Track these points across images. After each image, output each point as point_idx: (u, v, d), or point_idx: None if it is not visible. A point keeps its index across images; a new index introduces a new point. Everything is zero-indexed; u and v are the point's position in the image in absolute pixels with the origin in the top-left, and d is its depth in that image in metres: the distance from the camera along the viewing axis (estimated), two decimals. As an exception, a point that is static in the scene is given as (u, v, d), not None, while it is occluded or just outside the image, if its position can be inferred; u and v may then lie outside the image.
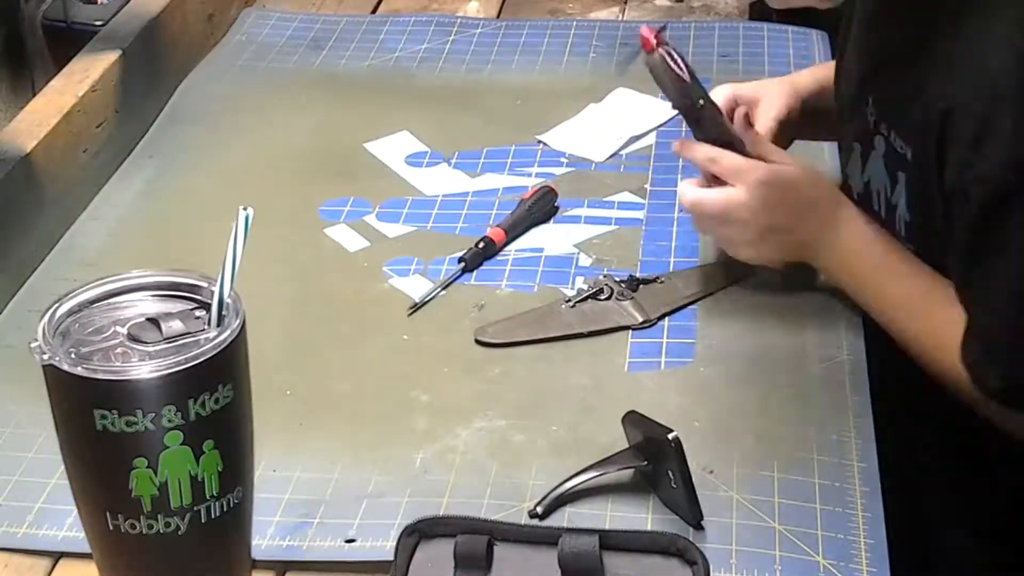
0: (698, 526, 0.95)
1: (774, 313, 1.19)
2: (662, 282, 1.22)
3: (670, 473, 0.95)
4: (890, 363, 1.16)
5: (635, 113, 1.51)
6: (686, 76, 1.11)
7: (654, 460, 0.98)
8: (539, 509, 0.97)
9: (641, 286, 1.21)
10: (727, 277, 1.23)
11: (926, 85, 1.05)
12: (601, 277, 1.22)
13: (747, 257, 1.18)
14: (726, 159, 1.14)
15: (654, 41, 1.10)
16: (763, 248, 1.16)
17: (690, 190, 1.17)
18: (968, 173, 1.00)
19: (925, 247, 1.12)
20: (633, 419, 1.00)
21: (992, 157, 0.98)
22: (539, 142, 1.47)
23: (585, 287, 1.21)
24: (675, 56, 1.11)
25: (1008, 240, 1.00)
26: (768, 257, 1.18)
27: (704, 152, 1.15)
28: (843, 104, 1.23)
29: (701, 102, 1.13)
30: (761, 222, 1.14)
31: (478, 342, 1.16)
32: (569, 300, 1.19)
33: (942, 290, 1.08)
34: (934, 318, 1.09)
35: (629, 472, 1.00)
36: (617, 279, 1.21)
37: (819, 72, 1.33)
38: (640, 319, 1.17)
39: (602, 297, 1.20)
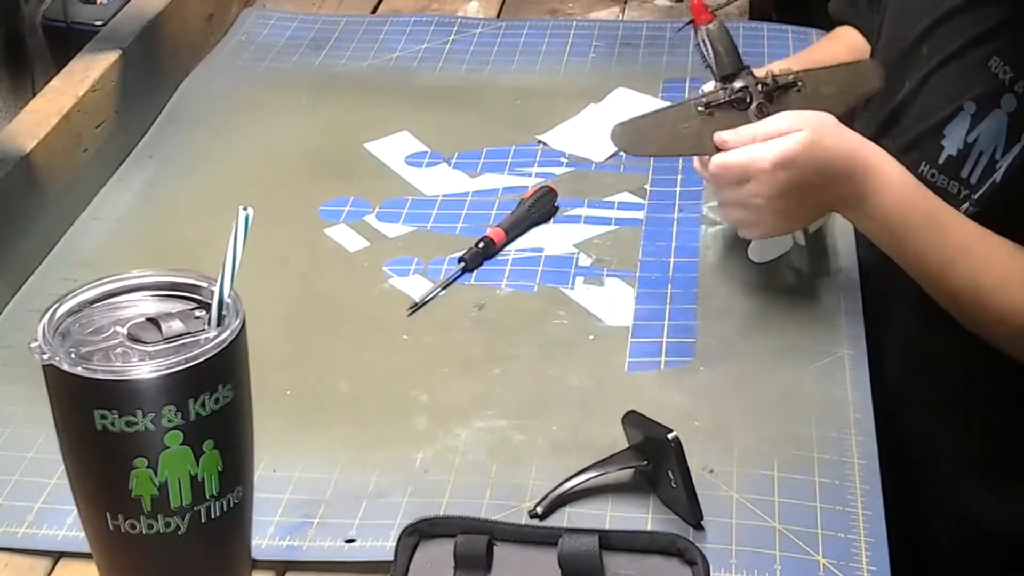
0: (698, 526, 0.95)
1: (774, 312, 1.19)
2: (799, 89, 1.16)
3: (670, 473, 0.95)
4: (890, 361, 1.16)
5: (635, 113, 1.50)
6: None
7: (654, 460, 0.98)
8: (539, 509, 0.97)
9: (778, 93, 1.15)
10: (868, 80, 1.19)
11: None
12: (742, 79, 1.15)
13: (774, 233, 1.16)
14: (731, 158, 1.11)
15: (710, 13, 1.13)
16: (790, 222, 1.14)
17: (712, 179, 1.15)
18: None
19: (1009, 215, 1.11)
20: (633, 419, 1.00)
21: None
22: (539, 142, 1.46)
23: (722, 92, 1.15)
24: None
25: None
26: (798, 227, 1.17)
27: (707, 167, 1.14)
28: (955, 66, 1.19)
29: (748, 66, 1.14)
30: (777, 206, 1.11)
31: (614, 141, 1.15)
32: (705, 102, 1.14)
33: (999, 240, 1.09)
34: (997, 255, 1.09)
35: (629, 472, 1.00)
36: (756, 82, 1.15)
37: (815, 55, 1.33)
38: None
39: (741, 107, 1.14)
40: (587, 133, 1.47)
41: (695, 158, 1.19)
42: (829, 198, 1.12)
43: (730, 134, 1.12)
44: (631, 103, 1.53)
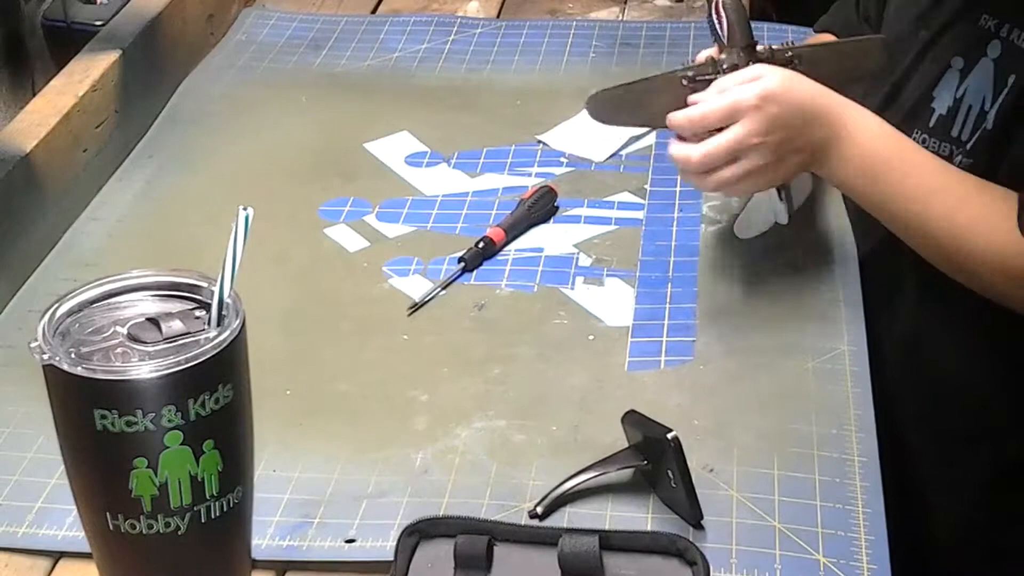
0: (698, 525, 0.95)
1: (774, 310, 1.19)
2: (795, 65, 1.15)
3: (669, 472, 0.95)
4: (889, 360, 1.16)
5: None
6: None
7: (654, 459, 0.98)
8: (539, 509, 0.97)
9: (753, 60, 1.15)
10: (871, 57, 1.19)
11: None
12: (736, 56, 1.15)
13: (765, 184, 1.14)
14: (712, 104, 1.10)
15: None
16: (780, 169, 1.12)
17: (693, 148, 1.11)
18: None
19: (995, 160, 1.11)
20: (632, 419, 1.00)
21: None
22: (539, 142, 1.46)
23: (710, 65, 1.15)
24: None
25: None
26: (784, 177, 1.15)
27: (689, 119, 1.12)
28: (946, 27, 1.20)
29: (756, 42, 1.15)
30: (772, 141, 1.09)
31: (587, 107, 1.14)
32: (688, 73, 1.14)
33: (975, 179, 1.09)
34: (979, 199, 1.09)
35: (629, 472, 1.00)
36: (737, 51, 1.15)
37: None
38: None
39: (720, 69, 1.14)
40: (587, 133, 1.47)
41: (672, 141, 1.15)
42: (810, 140, 1.11)
43: (702, 94, 1.12)
44: None
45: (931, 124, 1.18)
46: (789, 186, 1.18)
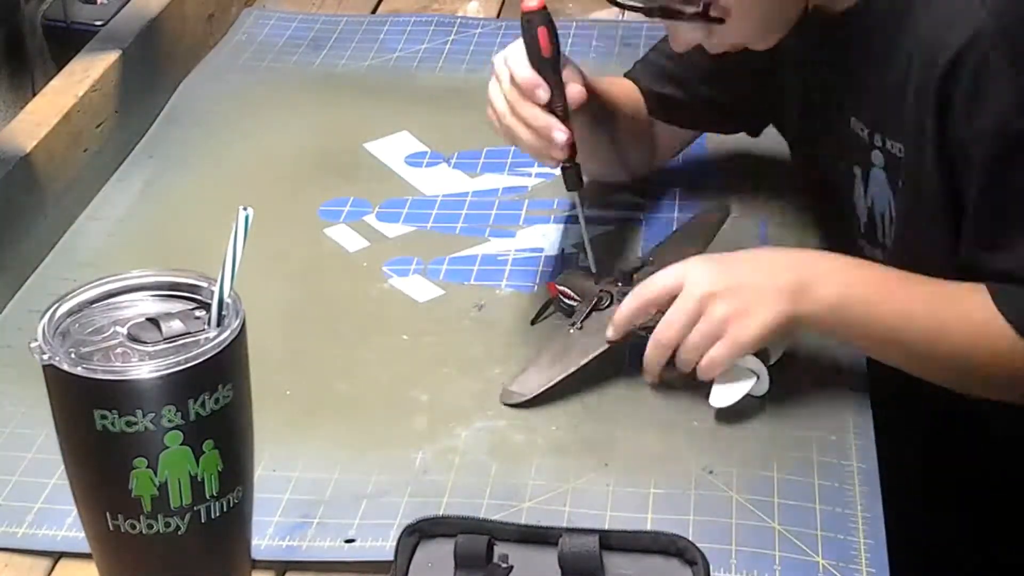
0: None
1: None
2: (651, 263, 1.15)
3: None
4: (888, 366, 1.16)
5: None
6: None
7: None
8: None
9: (636, 276, 1.14)
10: (707, 239, 1.21)
11: (902, 78, 1.06)
12: (591, 285, 1.14)
13: (750, 340, 1.04)
14: (653, 286, 1.07)
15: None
16: (754, 317, 1.03)
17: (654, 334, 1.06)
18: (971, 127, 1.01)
19: (921, 262, 1.09)
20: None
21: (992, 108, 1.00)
22: None
23: (582, 304, 1.13)
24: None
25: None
26: (763, 326, 1.04)
27: (631, 305, 1.08)
28: (832, 139, 1.19)
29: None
30: (725, 287, 1.03)
31: (509, 405, 1.08)
32: (573, 322, 1.13)
33: (953, 284, 1.06)
34: (964, 303, 1.04)
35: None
36: (608, 280, 1.15)
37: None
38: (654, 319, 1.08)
39: (604, 306, 1.13)
40: None
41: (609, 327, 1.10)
42: (775, 283, 1.04)
43: (624, 304, 1.08)
44: None
45: (862, 231, 1.17)
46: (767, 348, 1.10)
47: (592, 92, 1.19)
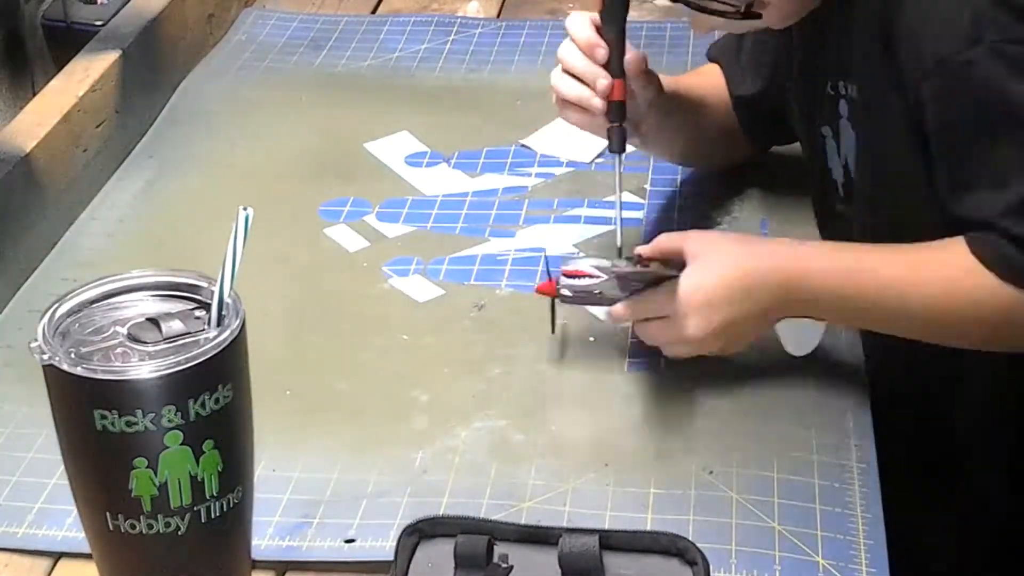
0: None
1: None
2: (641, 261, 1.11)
3: None
4: (889, 365, 1.16)
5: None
6: None
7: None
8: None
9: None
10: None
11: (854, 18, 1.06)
12: (606, 263, 1.09)
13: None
14: (649, 306, 1.07)
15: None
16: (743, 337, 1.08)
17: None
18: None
19: (872, 209, 1.10)
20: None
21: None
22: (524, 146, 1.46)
23: (607, 279, 1.09)
24: None
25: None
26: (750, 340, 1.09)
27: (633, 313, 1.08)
28: (811, 105, 1.20)
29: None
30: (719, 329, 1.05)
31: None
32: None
33: (926, 246, 1.04)
34: (943, 255, 1.03)
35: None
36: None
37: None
38: None
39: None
40: (570, 136, 1.47)
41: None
42: (762, 307, 1.06)
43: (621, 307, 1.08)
44: None
45: (842, 194, 1.17)
46: None
47: (678, 87, 1.22)
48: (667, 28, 1.70)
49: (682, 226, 1.31)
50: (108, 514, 0.82)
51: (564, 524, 0.96)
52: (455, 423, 1.07)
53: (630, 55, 1.14)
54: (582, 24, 1.15)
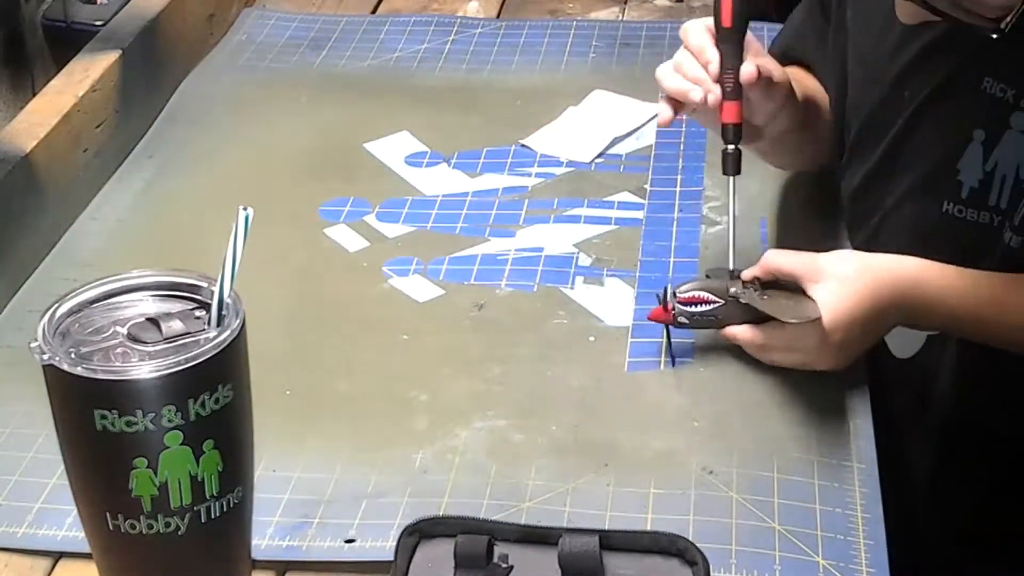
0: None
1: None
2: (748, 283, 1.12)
3: None
4: (890, 366, 1.16)
5: (614, 114, 1.50)
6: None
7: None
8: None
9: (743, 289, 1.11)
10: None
11: None
12: (721, 284, 1.11)
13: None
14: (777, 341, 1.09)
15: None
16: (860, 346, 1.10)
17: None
18: None
19: None
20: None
21: None
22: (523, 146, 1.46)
23: (723, 305, 1.10)
24: None
25: None
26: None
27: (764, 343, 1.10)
28: (924, 90, 1.15)
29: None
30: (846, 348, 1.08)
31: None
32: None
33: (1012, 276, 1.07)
34: None
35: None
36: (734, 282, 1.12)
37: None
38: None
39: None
40: (569, 136, 1.47)
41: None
42: (885, 326, 1.11)
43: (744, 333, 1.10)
44: (609, 105, 1.53)
45: (964, 196, 1.14)
46: None
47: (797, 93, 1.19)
48: (667, 28, 1.70)
49: (682, 226, 1.31)
50: (108, 514, 0.82)
51: (564, 524, 0.96)
52: (455, 423, 1.07)
53: (745, 67, 1.10)
54: (697, 30, 1.12)
